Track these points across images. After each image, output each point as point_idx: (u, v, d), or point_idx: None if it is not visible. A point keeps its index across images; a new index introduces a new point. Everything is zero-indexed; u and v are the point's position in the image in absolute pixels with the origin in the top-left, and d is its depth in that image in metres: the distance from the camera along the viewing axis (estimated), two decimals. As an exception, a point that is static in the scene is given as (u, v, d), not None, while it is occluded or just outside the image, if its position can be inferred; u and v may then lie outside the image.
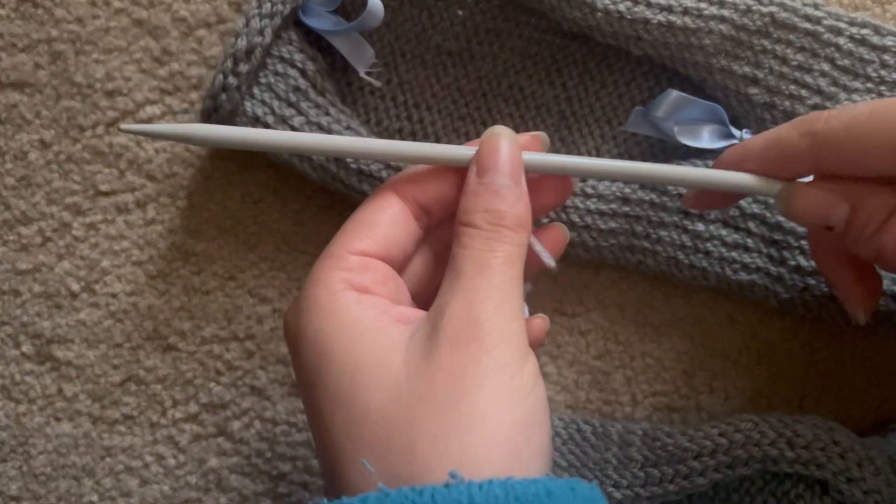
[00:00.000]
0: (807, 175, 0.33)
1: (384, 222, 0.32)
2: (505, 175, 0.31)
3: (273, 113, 0.37)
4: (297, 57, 0.38)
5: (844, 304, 0.36)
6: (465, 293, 0.29)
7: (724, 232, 0.39)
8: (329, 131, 0.38)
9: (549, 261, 0.34)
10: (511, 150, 0.32)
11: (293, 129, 0.37)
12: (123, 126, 0.31)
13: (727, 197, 0.36)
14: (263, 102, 0.37)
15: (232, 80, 0.36)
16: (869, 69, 0.39)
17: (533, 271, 0.34)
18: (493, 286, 0.29)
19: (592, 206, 0.39)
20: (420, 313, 0.31)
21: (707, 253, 0.39)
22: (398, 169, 0.38)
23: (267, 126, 0.37)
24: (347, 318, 0.29)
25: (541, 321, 0.35)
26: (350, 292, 0.30)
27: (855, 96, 0.39)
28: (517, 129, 0.42)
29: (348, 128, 0.38)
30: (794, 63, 0.39)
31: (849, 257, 0.35)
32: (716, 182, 0.33)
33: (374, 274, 0.31)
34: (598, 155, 0.42)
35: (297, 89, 0.38)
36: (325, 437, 0.29)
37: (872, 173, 0.31)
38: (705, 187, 0.34)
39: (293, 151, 0.34)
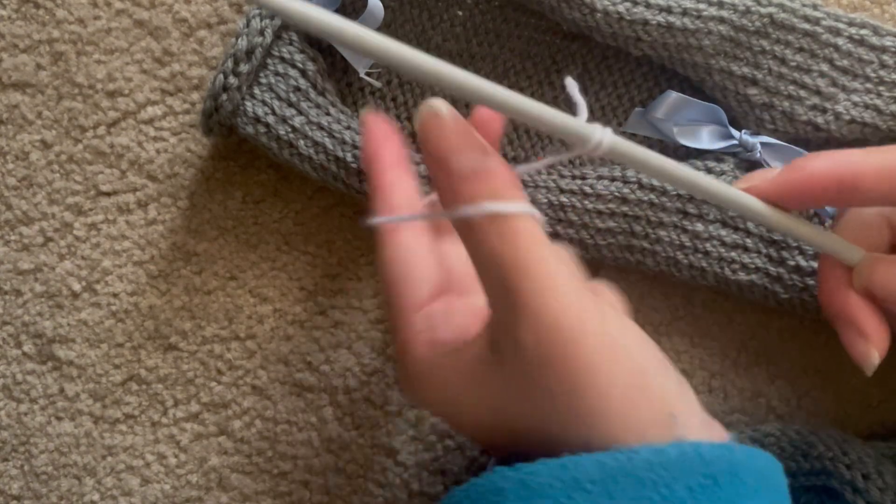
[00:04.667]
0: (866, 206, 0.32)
1: (423, 262, 0.32)
2: (464, 152, 0.27)
3: (273, 113, 0.37)
4: (298, 57, 0.38)
5: (852, 348, 0.33)
6: (519, 312, 0.26)
7: (723, 232, 0.39)
8: (329, 131, 0.38)
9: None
10: (452, 120, 0.27)
11: (293, 129, 0.37)
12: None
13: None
14: (264, 102, 0.37)
15: (232, 80, 0.37)
16: (868, 70, 0.39)
17: None
18: (535, 282, 0.26)
19: (590, 206, 0.39)
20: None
21: (706, 253, 0.39)
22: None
23: (267, 126, 0.37)
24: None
25: None
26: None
27: (854, 97, 0.39)
28: (517, 130, 0.42)
29: (349, 128, 0.38)
30: (793, 64, 0.39)
31: (865, 296, 0.33)
32: (787, 230, 0.32)
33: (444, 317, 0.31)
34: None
35: (297, 89, 0.38)
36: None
37: None
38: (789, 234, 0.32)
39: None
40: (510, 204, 0.26)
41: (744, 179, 0.33)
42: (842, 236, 0.33)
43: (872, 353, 0.32)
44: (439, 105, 0.27)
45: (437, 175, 0.27)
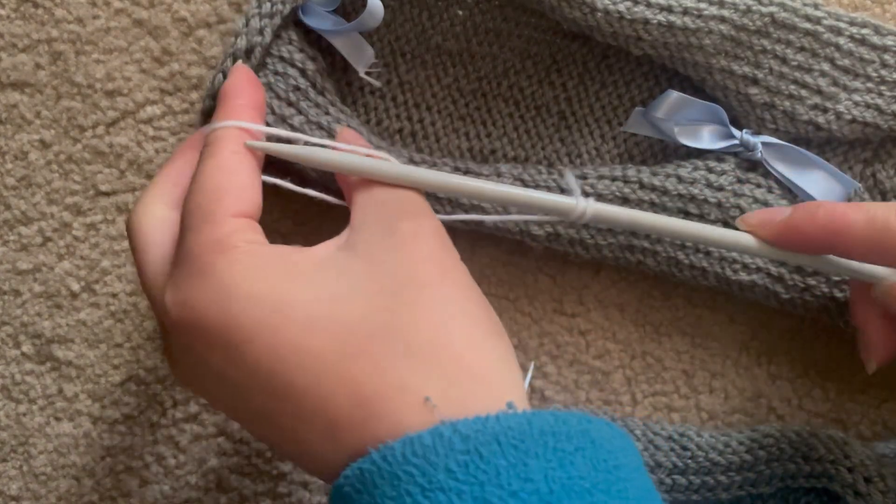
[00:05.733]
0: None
1: (252, 184, 0.31)
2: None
3: (273, 112, 0.37)
4: (297, 57, 0.38)
5: (862, 348, 0.36)
6: None
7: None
8: (329, 131, 0.38)
9: None
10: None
11: (293, 128, 0.37)
12: (248, 143, 0.32)
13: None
14: (263, 102, 0.37)
15: (232, 79, 0.36)
16: (869, 69, 0.39)
17: None
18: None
19: (592, 206, 0.39)
20: None
21: (707, 253, 0.39)
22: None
23: (266, 126, 0.37)
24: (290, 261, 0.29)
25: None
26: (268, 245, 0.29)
27: (855, 96, 0.39)
28: (517, 130, 0.42)
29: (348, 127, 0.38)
30: (794, 63, 0.39)
31: (891, 320, 0.35)
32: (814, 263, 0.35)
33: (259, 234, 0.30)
34: (598, 155, 0.42)
35: (296, 89, 0.38)
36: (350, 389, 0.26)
37: None
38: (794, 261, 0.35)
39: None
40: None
41: (742, 220, 0.35)
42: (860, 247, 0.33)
43: (870, 363, 0.36)
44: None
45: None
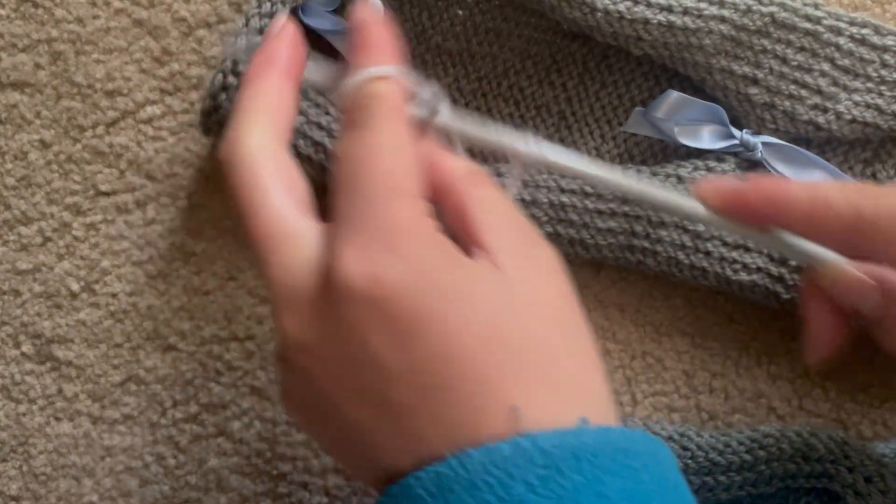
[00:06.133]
0: (835, 246, 0.33)
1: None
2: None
3: (273, 113, 0.37)
4: (297, 57, 0.38)
5: (807, 341, 0.36)
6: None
7: (724, 232, 0.39)
8: (329, 131, 0.38)
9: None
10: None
11: (292, 128, 0.37)
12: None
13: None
14: (263, 102, 0.37)
15: (232, 79, 0.36)
16: (869, 69, 0.39)
17: None
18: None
19: (591, 206, 0.39)
20: None
21: (707, 253, 0.39)
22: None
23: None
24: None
25: None
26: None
27: (855, 96, 0.39)
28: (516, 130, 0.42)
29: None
30: (795, 63, 0.39)
31: (838, 312, 0.35)
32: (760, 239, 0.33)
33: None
34: (599, 155, 0.42)
35: (296, 89, 0.38)
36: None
37: None
38: (743, 234, 0.34)
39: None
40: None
41: (695, 188, 0.34)
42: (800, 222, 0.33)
43: (814, 357, 0.36)
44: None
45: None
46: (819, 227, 0.32)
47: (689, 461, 0.38)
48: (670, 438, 0.39)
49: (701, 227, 0.39)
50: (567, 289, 0.29)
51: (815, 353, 0.36)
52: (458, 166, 0.30)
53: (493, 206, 0.29)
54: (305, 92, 0.38)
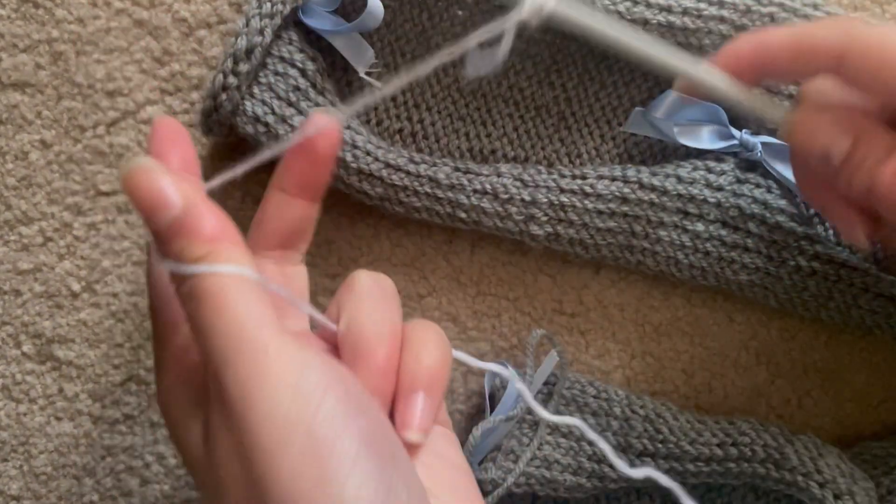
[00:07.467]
0: (819, 72, 0.32)
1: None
2: (159, 210, 0.26)
3: (273, 112, 0.37)
4: (297, 57, 0.38)
5: (843, 233, 0.35)
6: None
7: (723, 232, 0.39)
8: (329, 131, 0.38)
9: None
10: (149, 176, 0.26)
11: (293, 128, 0.37)
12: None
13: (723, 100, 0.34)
14: (263, 102, 0.37)
15: (232, 79, 0.37)
16: (868, 69, 0.39)
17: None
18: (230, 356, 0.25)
19: (591, 206, 0.39)
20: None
21: (707, 253, 0.39)
22: (398, 168, 0.38)
23: (266, 126, 0.37)
24: None
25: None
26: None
27: (854, 96, 0.39)
28: (516, 130, 0.42)
29: (348, 127, 0.38)
30: (794, 63, 0.39)
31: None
32: (720, 90, 0.32)
33: None
34: (598, 156, 0.42)
35: (297, 89, 0.38)
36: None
37: (885, 90, 0.30)
38: (706, 89, 0.33)
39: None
40: (202, 266, 0.26)
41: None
42: (781, 59, 0.32)
43: (860, 238, 0.34)
44: (140, 161, 0.27)
45: (150, 231, 0.27)
46: (805, 55, 0.32)
47: (660, 446, 0.38)
48: (646, 419, 0.39)
49: (700, 227, 0.39)
50: None
51: (861, 240, 0.34)
52: None
53: None
54: (306, 92, 0.38)
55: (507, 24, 0.30)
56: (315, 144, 0.31)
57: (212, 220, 0.27)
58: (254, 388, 0.24)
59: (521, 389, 0.29)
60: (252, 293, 0.26)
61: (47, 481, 0.42)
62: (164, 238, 0.27)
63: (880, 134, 0.31)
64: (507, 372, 0.31)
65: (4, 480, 0.42)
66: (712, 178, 0.39)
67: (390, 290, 0.31)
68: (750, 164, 0.40)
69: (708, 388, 0.42)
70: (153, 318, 0.30)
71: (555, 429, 0.40)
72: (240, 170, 0.30)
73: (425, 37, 0.42)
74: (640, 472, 0.27)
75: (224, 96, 0.37)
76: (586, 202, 0.39)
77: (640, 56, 0.31)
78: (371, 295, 0.30)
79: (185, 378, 0.29)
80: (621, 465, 0.27)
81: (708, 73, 0.32)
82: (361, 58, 0.40)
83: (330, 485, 0.24)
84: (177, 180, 0.27)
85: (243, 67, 0.37)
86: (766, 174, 0.40)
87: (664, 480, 0.27)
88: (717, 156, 0.40)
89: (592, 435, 0.28)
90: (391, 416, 0.29)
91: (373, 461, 0.24)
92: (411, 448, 0.28)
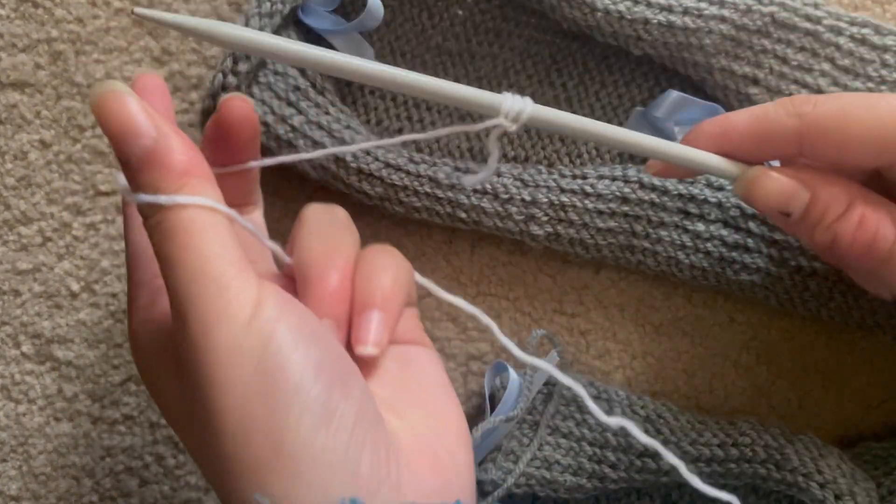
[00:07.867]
0: (784, 156, 0.33)
1: None
2: (132, 138, 0.26)
3: (273, 112, 0.37)
4: (297, 57, 0.38)
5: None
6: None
7: (724, 232, 0.39)
8: (329, 130, 0.38)
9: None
10: (121, 100, 0.26)
11: (293, 128, 0.37)
12: (138, 10, 0.28)
13: (691, 171, 0.35)
14: (263, 101, 0.37)
15: (231, 79, 0.36)
16: (869, 69, 0.39)
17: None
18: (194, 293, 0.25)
19: (591, 206, 0.39)
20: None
21: (707, 253, 0.39)
22: (397, 168, 0.38)
23: (266, 126, 0.37)
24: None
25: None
26: None
27: (855, 96, 0.39)
28: (517, 130, 0.42)
29: (348, 127, 0.38)
30: (795, 63, 0.39)
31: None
32: (679, 157, 0.32)
33: None
34: (598, 155, 0.42)
35: (296, 88, 0.38)
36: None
37: (853, 162, 0.31)
38: (665, 160, 0.33)
39: (314, 67, 0.30)
40: (174, 196, 0.26)
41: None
42: (745, 145, 0.32)
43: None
44: (111, 85, 0.26)
45: (118, 158, 0.26)
46: (765, 142, 0.32)
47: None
48: (647, 419, 0.39)
49: (701, 227, 0.39)
50: None
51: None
52: None
53: None
54: (306, 92, 0.38)
55: (491, 140, 0.31)
56: (226, 121, 0.31)
57: (184, 153, 0.26)
58: (212, 324, 0.25)
59: (574, 387, 0.29)
60: (219, 229, 0.26)
61: (46, 482, 0.42)
62: (134, 168, 0.26)
63: (838, 186, 0.31)
64: (545, 364, 0.30)
65: (3, 481, 0.42)
66: (713, 178, 0.39)
67: (342, 219, 0.31)
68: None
69: (708, 389, 0.42)
70: (129, 272, 0.30)
71: (555, 429, 0.40)
72: (238, 169, 0.30)
73: (425, 37, 0.42)
74: (614, 421, 0.28)
75: (224, 96, 0.37)
76: (587, 202, 0.39)
77: (615, 143, 0.32)
78: (320, 223, 0.30)
79: (157, 329, 0.29)
80: (597, 410, 0.28)
81: (682, 150, 0.32)
82: (361, 58, 0.40)
83: (275, 413, 0.24)
84: (149, 108, 0.26)
85: (243, 67, 0.37)
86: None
87: (643, 438, 0.28)
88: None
89: (575, 386, 0.29)
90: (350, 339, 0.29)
91: (319, 387, 0.24)
92: (371, 366, 0.28)
